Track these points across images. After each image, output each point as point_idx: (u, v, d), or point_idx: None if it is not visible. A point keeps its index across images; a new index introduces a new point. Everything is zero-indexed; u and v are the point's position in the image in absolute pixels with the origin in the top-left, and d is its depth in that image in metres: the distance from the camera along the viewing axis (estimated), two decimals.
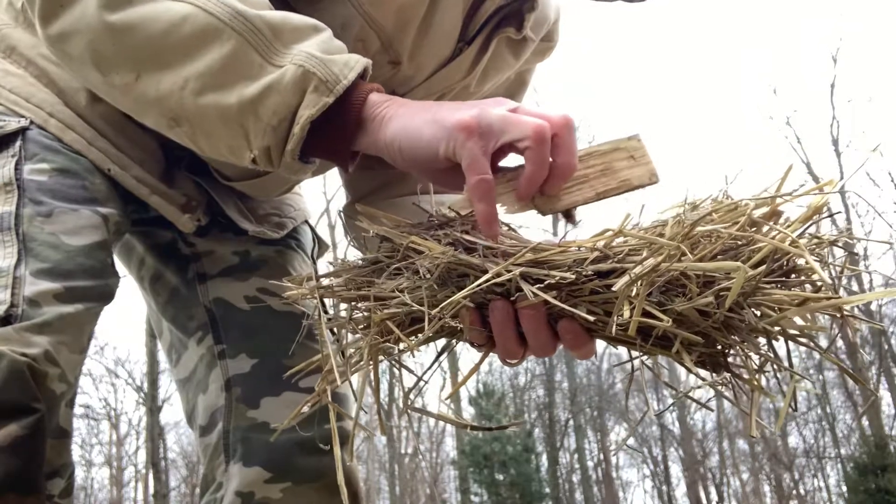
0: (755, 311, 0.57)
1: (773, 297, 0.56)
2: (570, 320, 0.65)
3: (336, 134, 0.76)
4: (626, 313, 0.57)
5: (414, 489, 22.98)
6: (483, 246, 0.66)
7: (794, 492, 22.24)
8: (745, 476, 24.25)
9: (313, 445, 1.05)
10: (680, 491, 24.25)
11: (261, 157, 0.76)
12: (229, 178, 1.10)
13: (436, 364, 0.74)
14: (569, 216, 0.77)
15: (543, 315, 0.67)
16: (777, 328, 0.59)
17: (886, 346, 17.34)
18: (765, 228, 0.62)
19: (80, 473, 23.42)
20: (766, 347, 0.61)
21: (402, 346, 0.72)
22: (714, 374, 0.64)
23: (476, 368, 0.78)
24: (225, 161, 0.84)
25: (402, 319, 0.69)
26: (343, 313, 0.74)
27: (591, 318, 0.60)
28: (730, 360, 0.63)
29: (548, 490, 19.73)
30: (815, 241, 0.61)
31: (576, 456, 22.50)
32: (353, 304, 0.71)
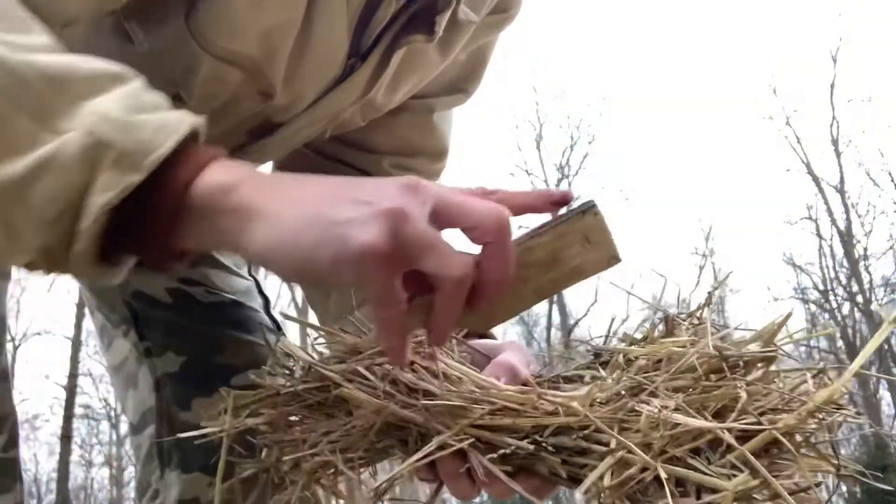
0: None
1: None
2: (526, 480, 0.57)
3: (151, 227, 0.51)
4: None
5: (414, 489, 22.95)
6: (424, 394, 0.58)
7: None
8: None
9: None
10: None
11: (40, 260, 0.52)
12: None
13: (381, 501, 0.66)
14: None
15: (497, 477, 0.59)
16: None
17: (886, 347, 17.27)
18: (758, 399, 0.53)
19: (80, 473, 23.43)
20: None
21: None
22: None
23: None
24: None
25: (336, 468, 0.61)
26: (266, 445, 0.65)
27: (548, 497, 0.53)
28: None
29: None
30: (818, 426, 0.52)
31: None
32: (279, 447, 0.63)
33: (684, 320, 0.67)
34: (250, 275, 1.14)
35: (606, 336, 0.69)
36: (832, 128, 18.00)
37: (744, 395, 0.49)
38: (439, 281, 0.51)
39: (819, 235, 18.26)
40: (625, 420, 0.50)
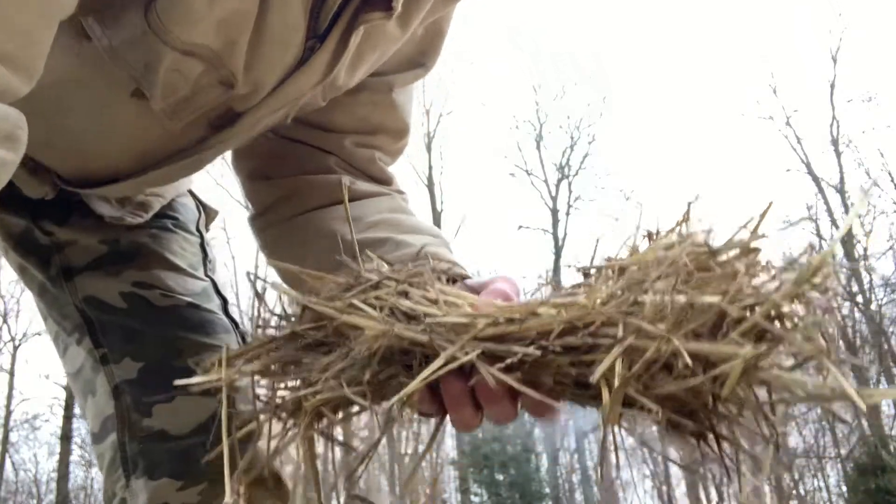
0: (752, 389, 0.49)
1: (773, 374, 0.48)
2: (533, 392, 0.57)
3: None
4: (605, 398, 0.49)
5: (414, 489, 22.93)
6: (425, 316, 0.58)
7: (794, 492, 22.18)
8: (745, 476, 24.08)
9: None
10: (680, 491, 24.20)
11: None
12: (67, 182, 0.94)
13: (378, 444, 0.66)
14: None
15: (503, 390, 0.59)
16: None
17: (886, 346, 17.24)
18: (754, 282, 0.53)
19: (80, 473, 23.38)
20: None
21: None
22: (700, 444, 0.56)
23: (431, 444, 0.70)
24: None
25: (338, 402, 0.60)
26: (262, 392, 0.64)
27: (558, 405, 0.53)
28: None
29: (548, 490, 19.67)
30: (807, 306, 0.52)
31: (576, 456, 22.43)
32: (276, 389, 0.62)
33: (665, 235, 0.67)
34: (206, 275, 1.12)
35: (592, 257, 0.68)
36: (832, 128, 17.97)
37: (742, 268, 0.49)
38: None
39: (819, 235, 18.22)
40: (629, 312, 0.50)
